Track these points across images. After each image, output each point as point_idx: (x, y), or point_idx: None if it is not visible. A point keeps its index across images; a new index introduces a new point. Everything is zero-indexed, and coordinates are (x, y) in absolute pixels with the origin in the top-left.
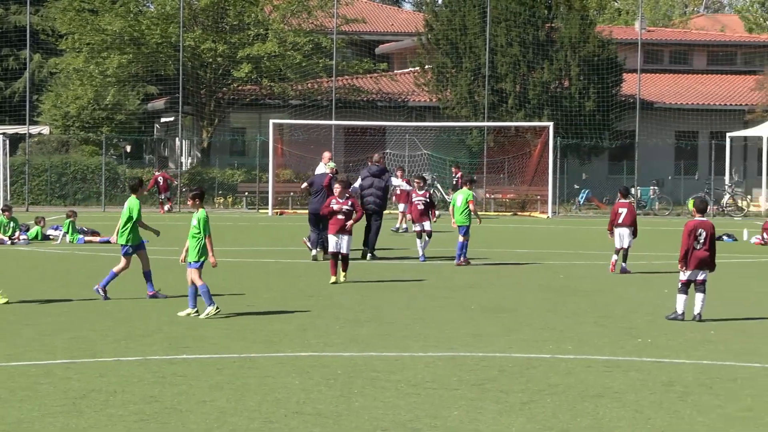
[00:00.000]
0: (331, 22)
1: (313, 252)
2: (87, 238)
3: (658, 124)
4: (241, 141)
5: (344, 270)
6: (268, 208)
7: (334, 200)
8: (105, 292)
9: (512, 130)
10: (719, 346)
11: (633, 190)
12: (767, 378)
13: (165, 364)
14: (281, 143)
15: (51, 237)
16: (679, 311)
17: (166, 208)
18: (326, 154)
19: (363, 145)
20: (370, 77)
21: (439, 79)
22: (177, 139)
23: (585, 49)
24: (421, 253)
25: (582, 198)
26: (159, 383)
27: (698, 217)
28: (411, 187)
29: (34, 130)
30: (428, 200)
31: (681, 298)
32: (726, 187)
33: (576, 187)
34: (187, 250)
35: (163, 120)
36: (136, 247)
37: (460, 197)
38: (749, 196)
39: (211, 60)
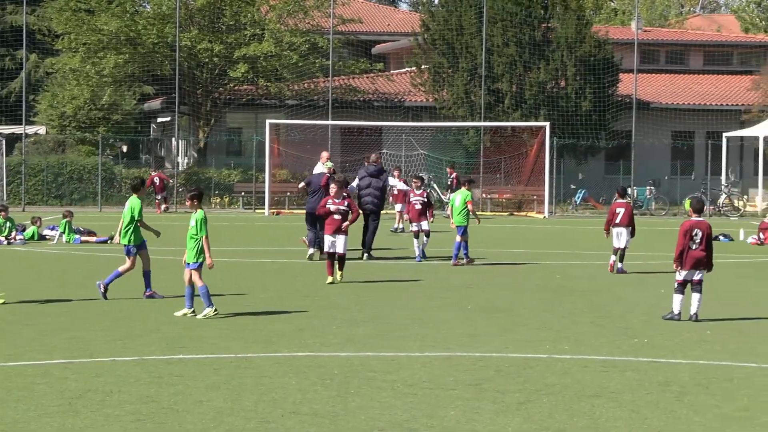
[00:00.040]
0: (327, 22)
1: (310, 251)
2: (83, 238)
3: (655, 124)
4: (238, 141)
5: (340, 269)
6: (264, 208)
7: (330, 200)
8: (106, 289)
9: (509, 130)
10: (716, 346)
11: (629, 190)
12: (763, 378)
13: (162, 364)
14: (278, 143)
15: (47, 237)
16: (676, 311)
17: (162, 208)
18: (324, 154)
19: (359, 145)
20: (367, 77)
21: (436, 79)
22: (173, 139)
23: (581, 49)
24: (417, 253)
25: (578, 198)
26: (156, 383)
27: (694, 217)
28: (408, 187)
29: (31, 130)
30: (426, 200)
31: (677, 298)
32: (722, 187)
33: (572, 187)
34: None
35: (159, 120)
36: (138, 247)
37: (458, 197)
38: (746, 196)
39: (207, 60)
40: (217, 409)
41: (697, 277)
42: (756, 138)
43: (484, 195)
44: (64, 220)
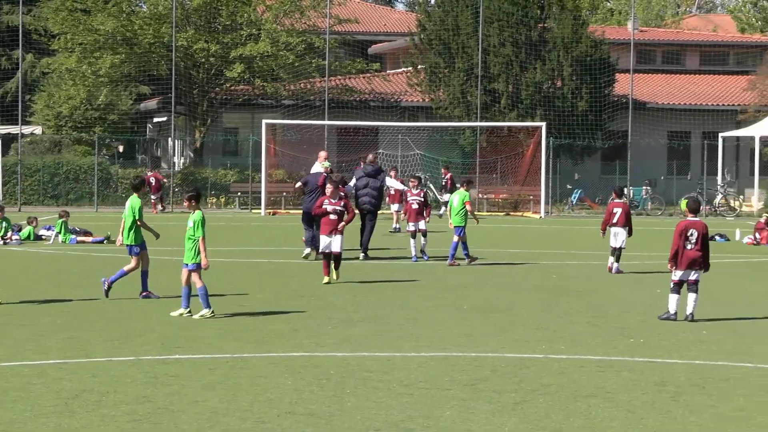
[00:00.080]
0: (323, 22)
1: (306, 251)
2: (79, 238)
3: (651, 124)
4: (234, 141)
5: (336, 269)
6: (260, 208)
7: (326, 200)
8: (109, 287)
9: (505, 130)
10: (711, 346)
11: (626, 191)
12: (759, 378)
13: (157, 364)
14: (274, 143)
15: (43, 237)
16: (672, 311)
17: (159, 208)
18: (322, 153)
19: (356, 145)
20: (363, 77)
21: (432, 79)
22: (170, 139)
23: (577, 49)
24: (413, 253)
25: (574, 198)
26: (151, 383)
27: (690, 217)
28: (405, 187)
29: (27, 130)
30: (423, 199)
31: (673, 298)
32: (718, 187)
33: (568, 187)
34: None
35: (155, 120)
36: (139, 246)
37: (456, 198)
38: (741, 196)
39: (203, 60)
40: (213, 409)
41: (693, 277)
42: (752, 138)
43: (480, 195)
44: (60, 220)
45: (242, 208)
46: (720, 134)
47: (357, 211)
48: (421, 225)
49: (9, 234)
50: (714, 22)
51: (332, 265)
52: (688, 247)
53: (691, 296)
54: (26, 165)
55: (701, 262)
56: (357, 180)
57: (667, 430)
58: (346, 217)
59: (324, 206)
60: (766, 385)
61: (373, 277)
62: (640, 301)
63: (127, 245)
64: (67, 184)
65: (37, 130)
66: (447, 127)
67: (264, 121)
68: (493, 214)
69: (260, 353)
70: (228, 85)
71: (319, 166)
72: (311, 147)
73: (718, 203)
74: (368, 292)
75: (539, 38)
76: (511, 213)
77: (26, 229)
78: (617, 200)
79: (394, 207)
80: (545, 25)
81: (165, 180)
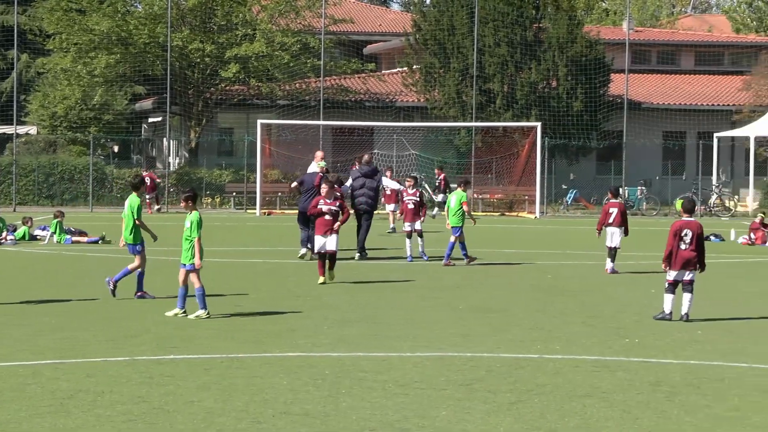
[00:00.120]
0: (318, 23)
1: (302, 251)
2: (74, 239)
3: (646, 125)
4: (229, 141)
5: (331, 268)
6: (255, 209)
7: (321, 200)
8: (115, 287)
9: (500, 130)
10: (706, 346)
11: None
12: (754, 378)
13: (153, 364)
14: (269, 143)
15: (38, 237)
16: (667, 311)
17: (155, 208)
18: (318, 154)
19: (351, 146)
20: (358, 77)
21: (427, 79)
22: (165, 139)
23: (573, 49)
24: (408, 253)
25: (570, 198)
26: (147, 383)
27: (685, 218)
28: (402, 187)
29: (22, 130)
30: (418, 199)
31: (668, 298)
32: (713, 187)
33: (564, 187)
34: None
35: (150, 120)
36: (141, 244)
37: (454, 198)
38: (736, 196)
39: (198, 60)
40: (208, 409)
41: (687, 277)
42: (747, 138)
43: (475, 195)
44: (55, 221)
45: (237, 209)
46: (715, 134)
47: (352, 212)
48: (417, 225)
49: (4, 234)
50: (709, 23)
51: (327, 266)
52: (683, 247)
53: (686, 296)
54: (21, 165)
55: (696, 262)
56: (353, 180)
57: (662, 430)
58: (341, 217)
59: (319, 206)
60: (760, 385)
61: (368, 278)
62: (635, 301)
63: (129, 244)
64: (62, 185)
65: (32, 130)
66: (442, 128)
67: (259, 121)
68: (489, 214)
69: (256, 353)
70: (223, 85)
71: (315, 166)
72: (306, 147)
73: (713, 203)
74: (364, 292)
75: (534, 38)
76: (507, 213)
77: (21, 230)
78: (613, 200)
79: (390, 207)
80: (540, 25)
81: (159, 180)
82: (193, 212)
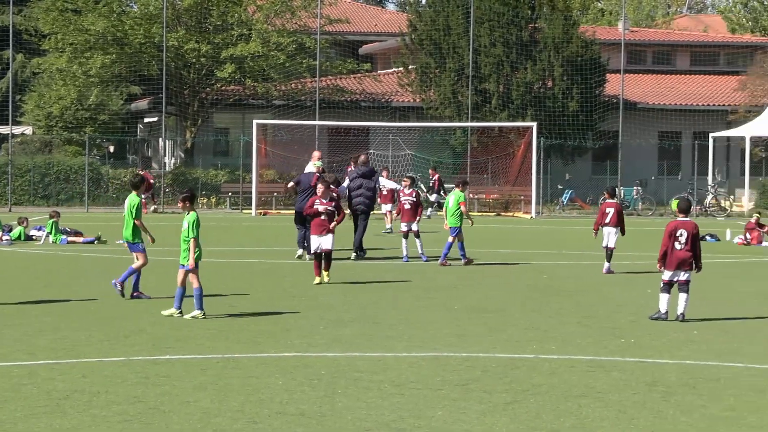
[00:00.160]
0: (314, 23)
1: (299, 252)
2: (70, 239)
3: (642, 125)
4: (225, 141)
5: (326, 269)
6: (251, 209)
7: (317, 200)
8: (123, 288)
9: (496, 130)
10: (702, 346)
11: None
12: (750, 378)
13: (148, 364)
14: (265, 143)
15: (34, 237)
16: (662, 311)
17: (151, 208)
18: (316, 153)
19: (347, 146)
20: (354, 77)
21: (423, 79)
22: (160, 139)
23: (568, 49)
24: (405, 253)
25: (565, 198)
26: (142, 384)
27: (681, 218)
28: (399, 186)
29: (17, 130)
30: (415, 199)
31: (664, 298)
32: (709, 187)
33: (559, 187)
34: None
35: (146, 120)
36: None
37: (452, 198)
38: (732, 197)
39: (194, 60)
40: (204, 409)
41: (683, 277)
42: (742, 138)
43: (471, 195)
44: (51, 221)
45: (233, 209)
46: (711, 134)
47: (349, 212)
48: (414, 226)
49: (0, 234)
50: (704, 23)
51: (323, 265)
52: (678, 247)
53: (682, 296)
54: (17, 165)
55: (691, 263)
56: (351, 181)
57: (657, 430)
58: (336, 217)
59: (315, 206)
60: (756, 385)
61: (364, 278)
62: (630, 301)
63: (129, 243)
64: (58, 185)
65: (28, 130)
66: (438, 128)
67: (255, 122)
68: (484, 214)
69: (252, 353)
70: (219, 86)
71: (312, 166)
72: (302, 147)
73: (709, 203)
74: (359, 292)
75: (530, 38)
76: (502, 213)
77: (17, 230)
78: (610, 200)
79: (387, 207)
80: (536, 25)
81: (153, 180)
82: (191, 213)
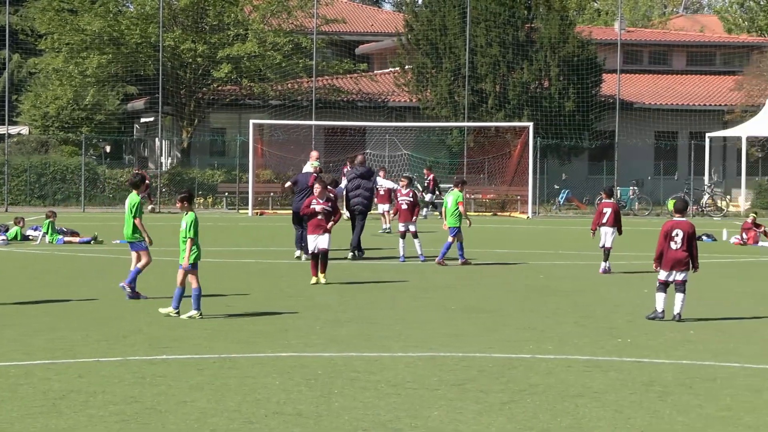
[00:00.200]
0: (311, 23)
1: (297, 253)
2: (66, 239)
3: (638, 125)
4: (221, 141)
5: (323, 271)
6: (248, 209)
7: (314, 200)
8: (132, 289)
9: (492, 130)
10: (698, 346)
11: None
12: (746, 378)
13: (145, 364)
14: (261, 143)
15: (30, 237)
16: (659, 310)
17: (149, 208)
18: (314, 153)
19: (343, 146)
20: (350, 77)
21: (419, 79)
22: (157, 139)
23: (564, 49)
24: (401, 253)
25: (562, 198)
26: (139, 384)
27: (676, 218)
28: (397, 186)
29: (14, 130)
30: (412, 199)
31: (660, 297)
32: (705, 187)
33: (556, 187)
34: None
35: (142, 120)
36: (134, 243)
37: (450, 198)
38: (728, 196)
39: (190, 60)
40: (201, 409)
41: (679, 277)
42: (739, 138)
43: (467, 195)
44: (48, 221)
45: (229, 209)
46: (707, 134)
47: (346, 212)
48: (412, 227)
49: None
50: (701, 23)
51: (320, 267)
52: (673, 247)
53: (679, 296)
54: (13, 165)
55: (687, 263)
56: (349, 182)
57: (654, 430)
58: (333, 217)
59: (312, 206)
60: (752, 385)
61: (361, 278)
62: (627, 301)
63: (133, 242)
64: (54, 185)
65: (24, 130)
66: (434, 128)
67: (251, 122)
68: (481, 214)
69: (248, 353)
70: (215, 86)
71: (309, 166)
72: (298, 147)
73: (705, 203)
74: (356, 292)
75: (526, 38)
76: (499, 213)
77: (13, 230)
78: (607, 200)
79: (385, 207)
80: (532, 25)
81: (149, 180)
82: (189, 213)
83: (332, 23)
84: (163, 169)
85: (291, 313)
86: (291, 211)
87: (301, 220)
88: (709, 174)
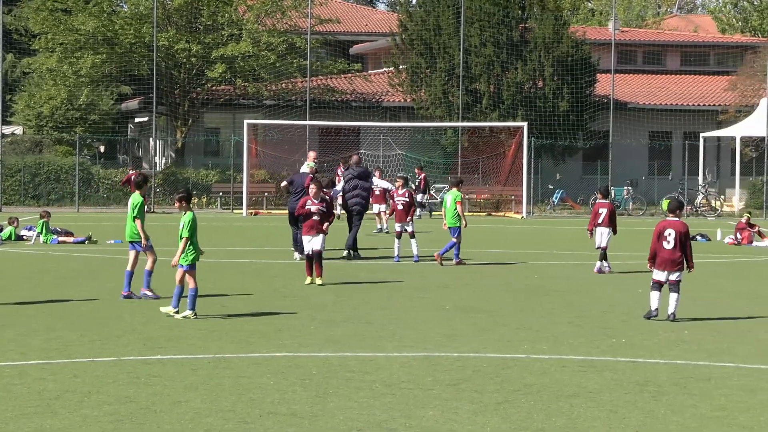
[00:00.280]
0: (305, 23)
1: (296, 255)
2: (60, 239)
3: (632, 125)
4: (216, 141)
5: (319, 274)
6: (242, 209)
7: (309, 201)
8: (152, 291)
9: (486, 130)
10: (693, 345)
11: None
12: (740, 378)
13: (140, 364)
14: (255, 143)
15: (24, 237)
16: (652, 308)
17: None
18: (311, 154)
19: (337, 146)
20: (345, 77)
21: (414, 79)
22: (151, 139)
23: (559, 49)
24: (396, 253)
25: (556, 198)
26: (134, 384)
27: (670, 217)
28: (392, 187)
29: (8, 130)
30: (408, 200)
31: (654, 296)
32: (699, 187)
33: (550, 187)
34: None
35: (137, 120)
36: (132, 244)
37: (449, 198)
38: (722, 196)
39: (185, 60)
40: (196, 409)
41: (673, 277)
42: (733, 138)
43: (462, 195)
44: (42, 221)
45: (224, 209)
46: (701, 134)
47: (344, 212)
48: (409, 227)
49: None
50: (695, 23)
51: (314, 267)
52: (666, 247)
53: (673, 296)
54: (7, 165)
55: (680, 262)
56: (346, 182)
57: (648, 430)
58: (328, 218)
59: (307, 206)
60: (747, 384)
61: (355, 278)
62: (622, 301)
63: (136, 243)
64: (48, 185)
65: (18, 130)
66: (428, 128)
67: (245, 121)
68: (475, 214)
69: (243, 353)
70: (209, 85)
71: (305, 167)
72: (293, 147)
73: (700, 203)
74: (351, 292)
75: (520, 38)
76: (493, 213)
77: (7, 230)
78: (602, 200)
79: (381, 207)
80: (526, 25)
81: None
82: (187, 213)
83: (326, 23)
84: (158, 169)
85: (286, 313)
86: (285, 211)
87: (297, 220)
88: (703, 174)
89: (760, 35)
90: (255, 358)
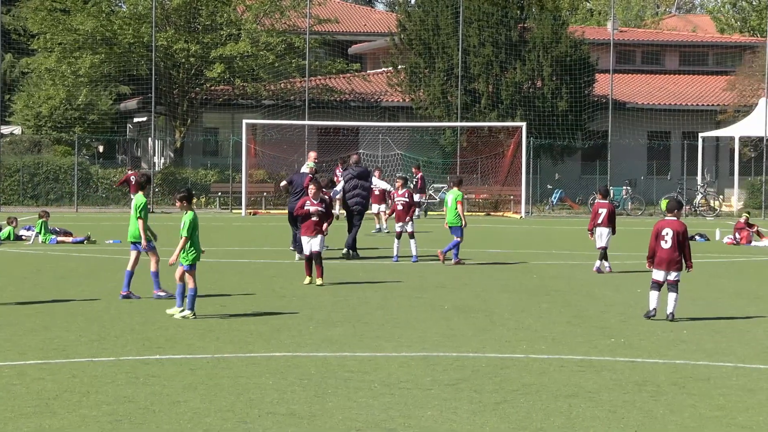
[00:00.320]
0: (303, 22)
1: (297, 256)
2: (59, 239)
3: (631, 125)
4: (214, 141)
5: (319, 275)
6: (241, 209)
7: (308, 201)
8: (164, 291)
9: (485, 130)
10: (692, 345)
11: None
12: (739, 378)
13: (138, 364)
14: (254, 143)
15: (23, 237)
16: (651, 307)
17: None
18: (312, 154)
19: (336, 146)
20: (343, 77)
21: (412, 79)
22: (150, 139)
23: (557, 49)
24: (395, 253)
25: (555, 198)
26: (132, 384)
27: (668, 217)
28: (392, 188)
29: (6, 130)
30: (408, 200)
31: (653, 295)
32: (698, 187)
33: (549, 187)
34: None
35: (135, 120)
36: (133, 244)
37: (450, 197)
38: (721, 196)
39: (183, 60)
40: (194, 409)
41: (671, 277)
42: (731, 138)
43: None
44: (40, 221)
45: (223, 209)
46: (700, 134)
47: (344, 212)
48: (408, 227)
49: None
50: (693, 23)
51: (314, 268)
52: (664, 246)
53: (671, 296)
54: (6, 165)
55: (678, 262)
56: (346, 182)
57: (647, 430)
58: (327, 219)
59: (306, 207)
60: (745, 384)
61: (354, 278)
62: (620, 300)
63: (135, 243)
64: (47, 184)
65: (17, 130)
66: (427, 127)
67: (244, 121)
68: (474, 214)
69: (242, 353)
70: (208, 85)
71: (305, 167)
72: (291, 147)
73: (698, 203)
74: (349, 292)
75: (519, 38)
76: (492, 213)
77: (6, 230)
78: (602, 201)
79: (381, 207)
80: (525, 25)
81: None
82: (188, 212)
83: (325, 23)
84: (156, 169)
85: (284, 313)
86: (284, 211)
87: (296, 220)
88: (702, 174)
89: (758, 35)
90: (254, 358)
